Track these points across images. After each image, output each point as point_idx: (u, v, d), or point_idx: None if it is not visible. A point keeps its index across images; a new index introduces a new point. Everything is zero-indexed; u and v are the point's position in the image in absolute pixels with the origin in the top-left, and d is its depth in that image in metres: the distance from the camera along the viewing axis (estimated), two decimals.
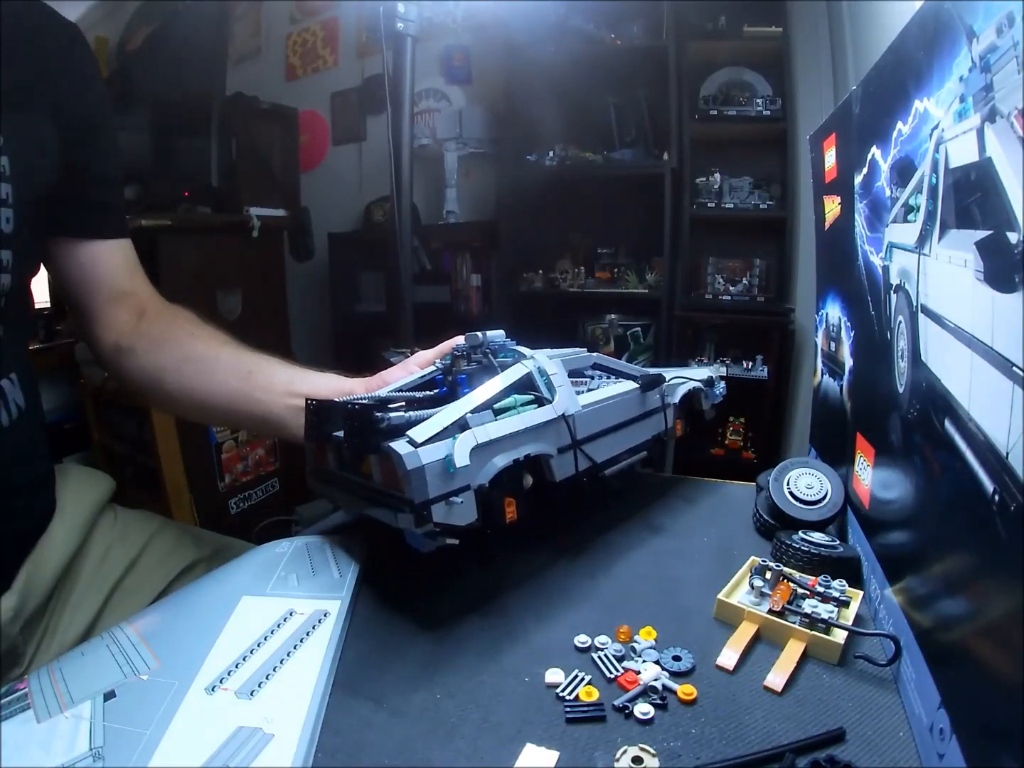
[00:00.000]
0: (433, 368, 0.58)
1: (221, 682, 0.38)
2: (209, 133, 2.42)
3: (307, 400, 0.50)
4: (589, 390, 0.58)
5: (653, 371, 0.64)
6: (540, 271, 2.10)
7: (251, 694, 0.37)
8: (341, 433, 0.48)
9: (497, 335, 0.55)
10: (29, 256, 0.56)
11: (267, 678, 0.38)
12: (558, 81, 1.97)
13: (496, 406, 0.47)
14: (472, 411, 0.45)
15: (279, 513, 1.97)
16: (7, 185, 0.49)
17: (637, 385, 0.60)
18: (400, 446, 0.40)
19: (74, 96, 0.58)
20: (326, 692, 0.38)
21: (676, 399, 0.65)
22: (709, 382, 0.72)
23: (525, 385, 0.51)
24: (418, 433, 0.41)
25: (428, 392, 0.55)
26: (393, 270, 1.08)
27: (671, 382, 0.65)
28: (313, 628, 0.43)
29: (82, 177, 0.60)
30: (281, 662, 0.40)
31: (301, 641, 0.42)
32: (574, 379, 0.58)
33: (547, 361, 0.53)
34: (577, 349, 0.62)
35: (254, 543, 0.70)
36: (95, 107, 0.62)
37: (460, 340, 0.56)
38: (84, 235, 0.63)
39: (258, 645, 0.41)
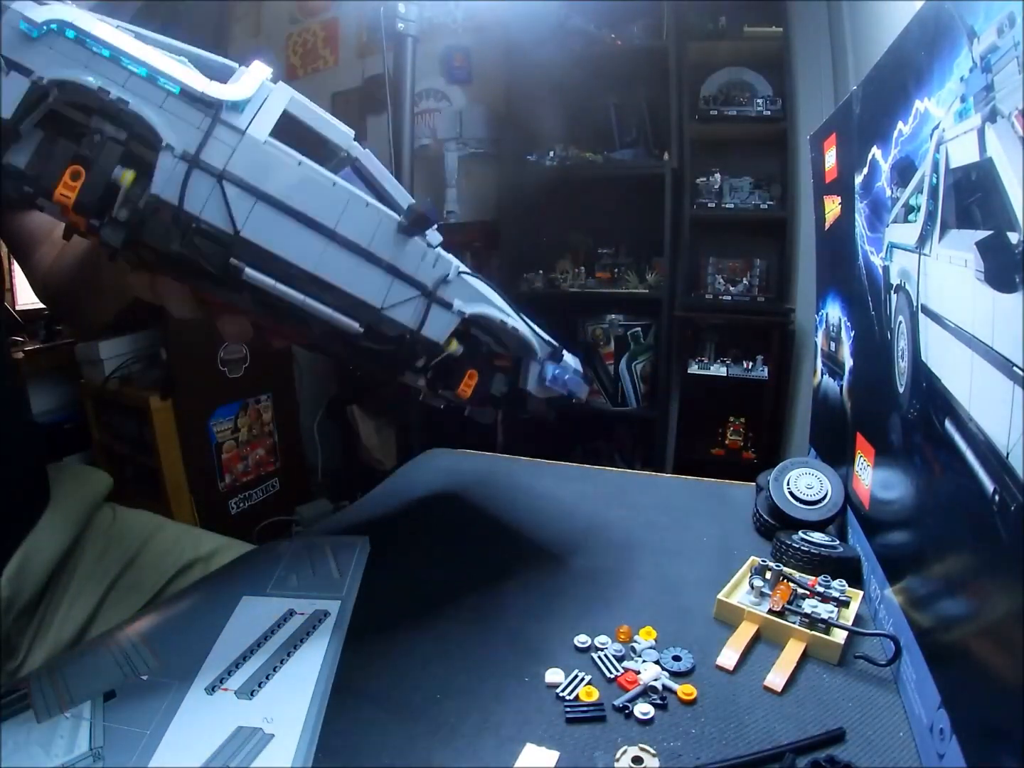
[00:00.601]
0: None
1: (221, 682, 0.38)
2: None
3: None
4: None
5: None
6: (540, 271, 2.10)
7: (251, 694, 0.37)
8: None
9: None
10: None
11: (267, 678, 0.38)
12: (558, 81, 1.97)
13: None
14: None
15: (279, 513, 1.97)
16: None
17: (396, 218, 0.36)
18: None
19: None
20: (326, 692, 0.38)
21: (467, 311, 0.40)
22: (554, 354, 0.47)
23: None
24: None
25: None
26: None
27: (471, 281, 0.40)
28: (313, 628, 0.43)
29: None
30: (281, 662, 0.40)
31: (301, 641, 0.42)
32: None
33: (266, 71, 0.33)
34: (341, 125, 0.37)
35: (254, 543, 0.71)
36: None
37: None
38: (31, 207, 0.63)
39: (258, 645, 0.41)
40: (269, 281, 0.32)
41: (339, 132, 0.36)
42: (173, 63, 0.31)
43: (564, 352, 0.48)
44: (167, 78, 0.30)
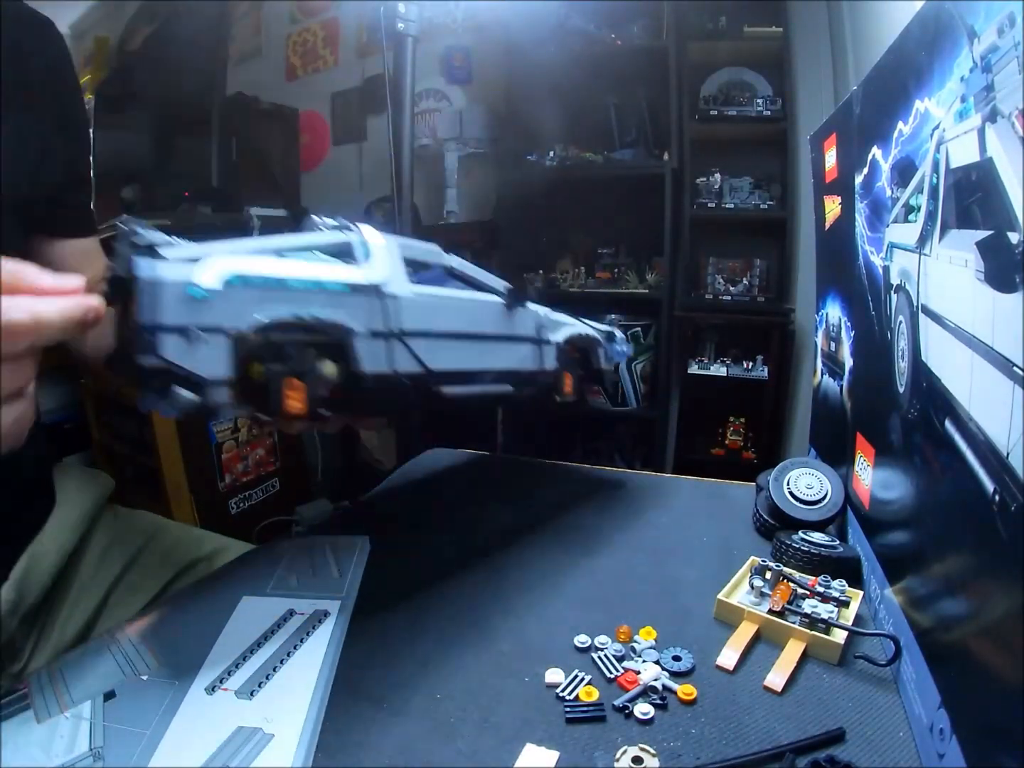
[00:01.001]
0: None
1: (221, 682, 0.38)
2: (209, 133, 2.42)
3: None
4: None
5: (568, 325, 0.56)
6: (540, 271, 2.10)
7: (251, 694, 0.37)
8: None
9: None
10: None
11: (267, 678, 0.38)
12: (558, 81, 1.97)
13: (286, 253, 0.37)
14: (252, 250, 0.35)
15: (279, 513, 1.97)
16: None
17: (500, 300, 0.49)
18: (141, 259, 0.31)
19: (49, 94, 0.57)
20: (326, 692, 0.38)
21: (559, 338, 0.54)
22: (609, 336, 0.63)
23: (341, 253, 0.40)
24: (170, 251, 0.32)
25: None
26: None
27: (553, 317, 0.54)
28: (313, 628, 0.43)
29: (59, 177, 0.60)
30: (281, 662, 0.40)
31: (301, 641, 0.42)
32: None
33: (376, 237, 0.41)
34: (430, 244, 0.48)
35: (254, 543, 0.71)
36: (70, 105, 0.61)
37: None
38: (61, 234, 0.62)
39: (258, 645, 0.41)
40: (461, 391, 0.43)
41: (432, 252, 0.46)
42: (324, 266, 0.37)
43: (615, 332, 0.65)
44: (332, 283, 0.36)
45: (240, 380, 0.33)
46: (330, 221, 0.43)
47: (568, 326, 0.56)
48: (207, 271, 0.31)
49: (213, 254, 0.33)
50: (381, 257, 0.40)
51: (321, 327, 0.36)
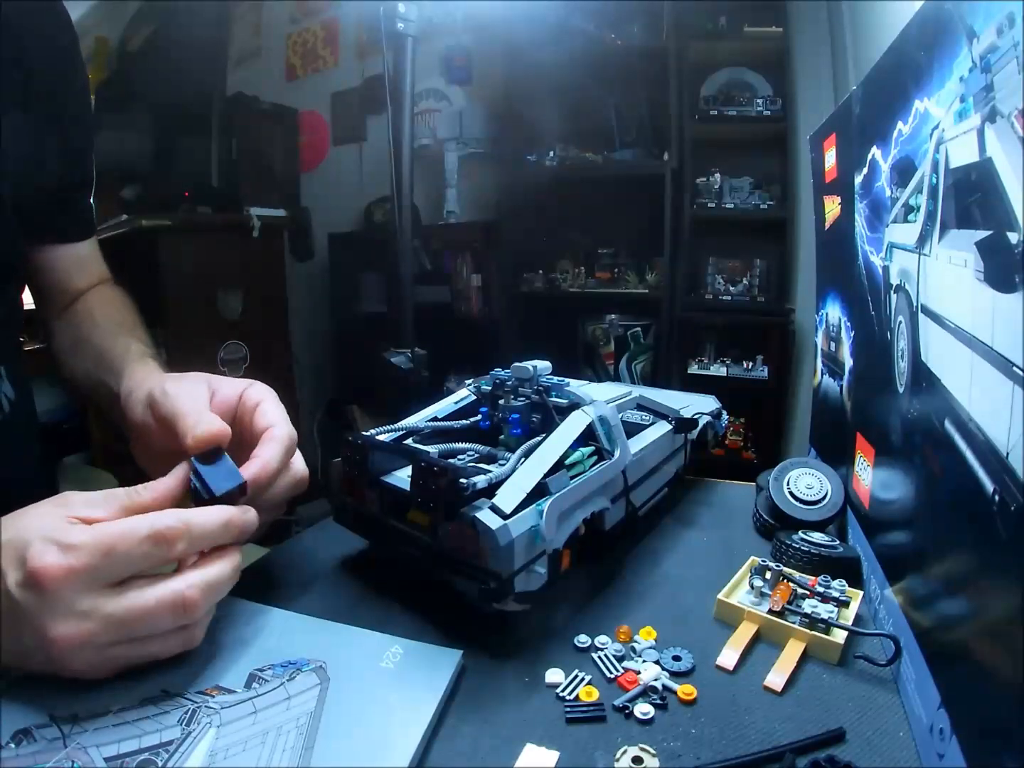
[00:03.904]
0: (467, 395, 0.56)
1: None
2: (209, 133, 2.42)
3: (347, 436, 0.47)
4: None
5: (684, 407, 0.66)
6: (540, 271, 2.10)
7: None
8: (390, 477, 0.46)
9: (545, 367, 0.52)
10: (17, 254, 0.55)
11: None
12: (558, 81, 1.97)
13: (566, 462, 0.46)
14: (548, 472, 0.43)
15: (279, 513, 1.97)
16: None
17: (670, 426, 0.60)
18: (489, 518, 0.38)
19: (54, 83, 0.55)
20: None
21: (694, 435, 0.65)
22: (717, 414, 0.73)
23: (585, 435, 0.48)
24: (503, 501, 0.39)
25: (465, 421, 0.54)
26: (394, 270, 1.08)
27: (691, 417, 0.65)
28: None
29: (61, 178, 0.58)
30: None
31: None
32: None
33: (606, 410, 0.50)
34: (617, 386, 0.61)
35: (253, 543, 0.71)
36: (77, 96, 0.59)
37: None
38: (61, 240, 0.61)
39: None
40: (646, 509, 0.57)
41: (631, 399, 0.57)
42: (593, 472, 0.47)
43: (722, 410, 0.76)
44: (599, 479, 0.48)
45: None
46: (548, 369, 0.52)
47: (701, 419, 0.67)
48: (549, 523, 0.40)
49: (517, 484, 0.41)
50: (620, 438, 0.50)
51: (594, 517, 0.47)
